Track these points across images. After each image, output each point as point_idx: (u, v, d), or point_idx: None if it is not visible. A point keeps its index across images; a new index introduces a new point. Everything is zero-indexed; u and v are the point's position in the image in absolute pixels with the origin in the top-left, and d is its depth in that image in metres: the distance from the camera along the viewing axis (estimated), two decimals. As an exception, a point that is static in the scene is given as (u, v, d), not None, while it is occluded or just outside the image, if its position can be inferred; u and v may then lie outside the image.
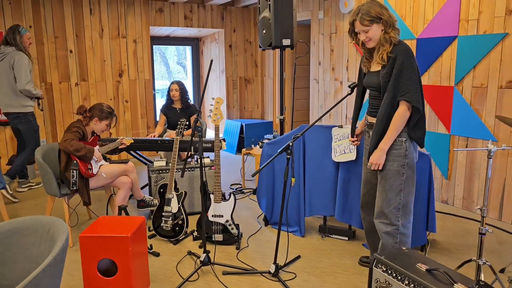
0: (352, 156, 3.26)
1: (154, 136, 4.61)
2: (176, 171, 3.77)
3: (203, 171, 3.68)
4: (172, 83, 4.86)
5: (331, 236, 3.54)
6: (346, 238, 3.50)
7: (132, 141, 4.04)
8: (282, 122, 4.31)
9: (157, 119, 6.66)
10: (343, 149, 3.31)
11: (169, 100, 4.89)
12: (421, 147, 2.54)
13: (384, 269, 2.09)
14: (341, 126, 3.33)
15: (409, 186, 2.51)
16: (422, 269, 1.98)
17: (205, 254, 2.95)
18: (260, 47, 4.15)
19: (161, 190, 3.50)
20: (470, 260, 2.72)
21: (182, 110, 4.85)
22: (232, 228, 3.37)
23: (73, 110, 5.89)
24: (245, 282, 2.82)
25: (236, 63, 7.23)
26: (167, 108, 4.90)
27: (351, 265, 3.06)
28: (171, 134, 4.71)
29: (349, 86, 2.73)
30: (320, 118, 2.77)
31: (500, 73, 3.75)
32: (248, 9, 7.16)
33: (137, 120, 6.40)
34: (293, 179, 2.80)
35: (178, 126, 3.78)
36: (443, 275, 1.91)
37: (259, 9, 4.07)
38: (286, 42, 3.92)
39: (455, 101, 4.14)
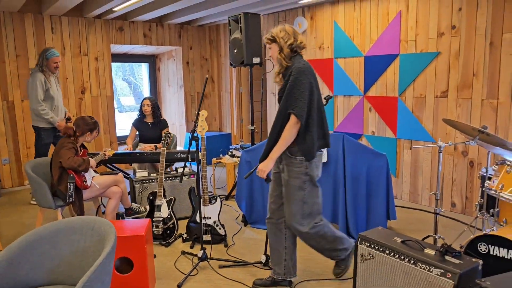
0: (324, 158, 3.76)
1: (129, 149, 4.84)
2: (170, 179, 4.08)
3: (200, 177, 3.98)
4: (145, 98, 5.12)
5: (306, 230, 4.00)
6: (319, 231, 3.98)
7: (113, 152, 4.26)
8: (253, 132, 4.73)
9: (117, 134, 6.81)
10: (314, 153, 3.80)
11: (141, 115, 5.14)
12: (308, 159, 2.61)
13: (368, 244, 2.57)
14: (312, 133, 3.82)
15: (313, 197, 2.70)
16: (398, 241, 2.50)
17: (202, 251, 3.28)
18: (231, 64, 4.56)
19: (151, 197, 3.78)
20: (428, 236, 3.30)
21: (154, 124, 5.12)
22: (220, 228, 3.72)
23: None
24: (241, 273, 3.19)
25: (193, 79, 7.57)
26: (139, 123, 5.14)
27: (328, 252, 3.53)
28: (145, 147, 4.96)
29: (324, 98, 3.23)
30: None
31: (435, 85, 4.48)
32: (203, 28, 7.56)
33: (100, 136, 6.51)
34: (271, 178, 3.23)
35: (164, 138, 4.07)
36: (415, 243, 2.44)
37: (230, 30, 4.49)
38: (256, 60, 4.38)
39: (399, 110, 4.83)
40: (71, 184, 3.39)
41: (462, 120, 4.29)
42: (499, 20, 3.94)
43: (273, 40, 2.67)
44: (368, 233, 2.65)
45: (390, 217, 3.79)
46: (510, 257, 2.46)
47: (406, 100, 4.76)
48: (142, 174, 4.30)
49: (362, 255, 2.61)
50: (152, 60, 7.87)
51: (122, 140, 6.95)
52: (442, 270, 2.19)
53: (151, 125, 5.11)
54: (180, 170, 4.45)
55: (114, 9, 5.59)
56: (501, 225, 3.16)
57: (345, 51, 5.31)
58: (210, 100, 7.77)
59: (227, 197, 5.07)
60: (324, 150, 3.75)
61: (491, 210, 3.27)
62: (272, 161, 2.62)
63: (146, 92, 8.07)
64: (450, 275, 2.14)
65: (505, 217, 3.15)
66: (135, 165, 5.14)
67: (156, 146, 5.00)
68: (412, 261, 2.32)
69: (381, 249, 2.50)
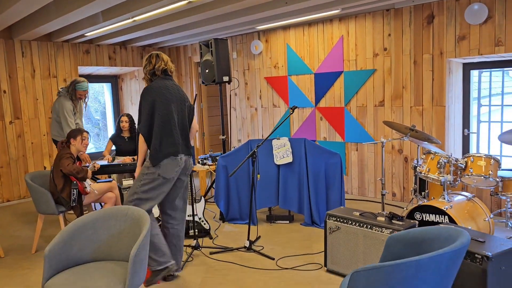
0: (289, 159, 4.51)
1: (110, 161, 5.30)
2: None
3: (192, 180, 4.52)
4: (122, 115, 5.62)
5: (276, 222, 4.71)
6: (287, 221, 4.70)
7: (99, 166, 4.72)
8: (224, 141, 5.39)
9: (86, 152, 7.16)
10: (282, 155, 4.55)
11: (119, 130, 5.62)
12: (153, 165, 3.11)
13: (334, 219, 3.32)
14: (278, 138, 4.57)
15: (151, 191, 3.15)
16: (357, 214, 3.27)
17: (195, 240, 3.87)
18: (203, 82, 5.22)
19: (142, 200, 4.30)
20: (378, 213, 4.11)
21: (131, 139, 5.62)
22: (205, 224, 4.32)
23: (8, 147, 6.14)
24: (229, 256, 3.81)
25: (155, 97, 8.08)
26: (117, 137, 5.61)
27: (297, 237, 4.25)
28: (125, 159, 5.43)
29: (290, 108, 3.97)
30: (270, 134, 3.95)
31: (373, 96, 5.42)
32: (163, 50, 8.14)
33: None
34: (258, 175, 3.92)
35: None
36: (369, 214, 3.22)
37: (201, 53, 5.16)
38: (226, 78, 5.08)
39: (346, 118, 5.72)
40: (74, 190, 3.85)
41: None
42: (419, 44, 4.95)
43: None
44: (333, 211, 3.40)
45: (342, 205, 4.59)
46: (437, 220, 3.31)
47: (351, 109, 5.66)
48: (128, 182, 4.79)
49: (330, 228, 3.35)
50: (114, 80, 8.29)
51: (92, 156, 7.28)
52: (390, 230, 2.97)
53: (128, 140, 5.60)
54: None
55: (86, 34, 6.05)
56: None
57: (298, 69, 6.16)
58: (171, 116, 8.31)
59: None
60: (289, 152, 4.51)
61: (423, 192, 4.18)
62: (139, 166, 3.24)
63: (111, 112, 8.45)
64: (396, 232, 2.93)
65: (433, 195, 4.06)
66: (114, 176, 5.59)
67: (133, 158, 5.50)
68: (369, 227, 3.09)
69: (345, 221, 3.25)
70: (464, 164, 3.38)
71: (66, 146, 4.03)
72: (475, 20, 4.46)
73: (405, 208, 4.51)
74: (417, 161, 4.21)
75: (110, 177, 5.53)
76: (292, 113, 3.94)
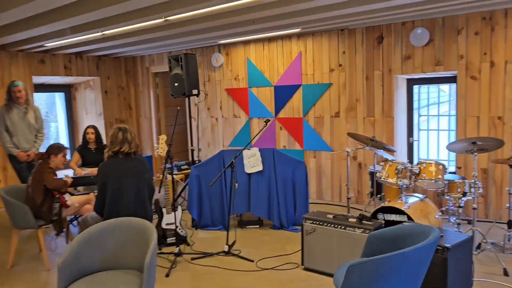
0: (260, 168, 4.85)
1: (80, 173, 5.31)
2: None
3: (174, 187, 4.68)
4: (88, 127, 5.65)
5: (248, 227, 5.02)
6: (258, 226, 5.03)
7: (71, 179, 4.75)
8: (193, 151, 5.61)
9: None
10: (252, 164, 4.88)
11: (85, 142, 5.64)
12: None
13: (311, 222, 3.70)
14: (249, 148, 4.89)
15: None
16: (331, 216, 3.68)
17: (178, 248, 4.08)
18: (172, 95, 5.41)
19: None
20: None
21: (97, 150, 5.66)
22: (182, 231, 4.53)
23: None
24: (211, 261, 4.07)
25: (111, 106, 8.07)
26: (83, 149, 5.63)
27: (270, 240, 4.60)
28: (92, 171, 5.46)
29: (264, 121, 4.31)
30: (247, 145, 4.27)
31: (330, 108, 5.93)
32: (119, 60, 8.15)
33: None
34: (236, 184, 4.21)
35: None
36: (342, 216, 3.64)
37: (170, 67, 5.36)
38: (195, 91, 5.32)
39: (304, 127, 6.18)
40: (56, 204, 3.90)
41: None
42: (371, 61, 5.53)
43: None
44: (309, 215, 3.78)
45: (308, 209, 5.02)
46: (397, 220, 3.81)
47: (309, 120, 6.13)
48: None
49: (307, 231, 3.73)
50: (68, 90, 8.14)
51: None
52: (362, 229, 3.41)
53: (94, 151, 5.64)
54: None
55: (46, 45, 5.98)
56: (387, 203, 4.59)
57: (258, 82, 6.53)
58: (128, 125, 8.31)
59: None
60: (259, 161, 4.85)
61: (379, 195, 4.71)
62: None
63: (64, 121, 8.27)
64: (368, 231, 3.37)
65: (388, 197, 4.59)
66: (80, 188, 5.59)
67: None
68: (342, 227, 3.51)
69: (320, 223, 3.65)
70: (418, 170, 3.93)
71: (46, 160, 4.05)
72: (418, 42, 5.10)
73: (364, 210, 5.02)
74: (374, 167, 4.73)
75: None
76: (266, 126, 4.28)
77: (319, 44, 5.91)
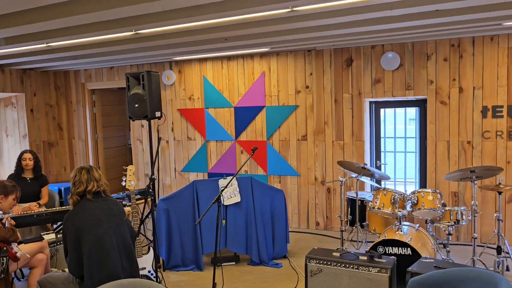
0: (237, 199, 4.40)
1: (17, 211, 4.39)
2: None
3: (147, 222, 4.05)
4: (25, 152, 4.75)
5: (223, 264, 4.52)
6: (234, 263, 4.55)
7: (11, 220, 3.88)
8: (153, 180, 4.96)
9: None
10: (229, 195, 4.41)
11: (19, 170, 4.73)
12: None
13: (316, 261, 3.36)
14: (225, 178, 4.43)
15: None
16: (337, 254, 3.37)
17: (158, 300, 3.45)
18: (130, 118, 4.75)
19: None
20: (338, 249, 4.30)
21: (34, 180, 4.78)
22: (155, 277, 3.90)
23: None
24: (197, 312, 3.52)
25: (38, 127, 7.02)
26: (16, 178, 4.69)
27: (253, 279, 4.16)
28: (31, 206, 4.55)
29: (252, 149, 3.90)
30: (236, 174, 3.81)
31: (296, 131, 5.69)
32: (47, 74, 7.14)
33: None
34: (224, 221, 3.73)
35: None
36: (350, 254, 3.35)
37: (128, 86, 4.69)
38: (158, 114, 4.72)
39: (268, 151, 5.86)
40: (3, 258, 3.08)
41: (319, 157, 5.58)
42: (339, 83, 5.41)
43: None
44: (311, 253, 3.44)
45: (287, 241, 4.67)
46: (400, 253, 3.63)
47: (274, 143, 5.83)
48: (49, 236, 4.03)
49: (311, 271, 3.37)
50: (-18, 108, 6.91)
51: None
52: (378, 268, 3.15)
53: (30, 181, 4.75)
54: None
55: (-35, 56, 4.95)
56: (371, 232, 4.42)
57: (216, 102, 6.08)
58: (57, 148, 7.29)
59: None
60: (237, 191, 4.42)
61: (363, 223, 4.52)
62: None
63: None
64: (384, 270, 3.12)
65: (373, 226, 4.43)
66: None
67: (39, 204, 4.67)
68: (355, 267, 3.22)
69: (327, 263, 3.32)
70: (416, 199, 3.80)
71: None
72: (389, 66, 5.10)
73: (346, 239, 4.80)
74: (357, 194, 4.53)
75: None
76: (252, 154, 3.87)
77: (284, 65, 5.67)
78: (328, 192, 5.60)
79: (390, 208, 3.89)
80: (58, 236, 4.11)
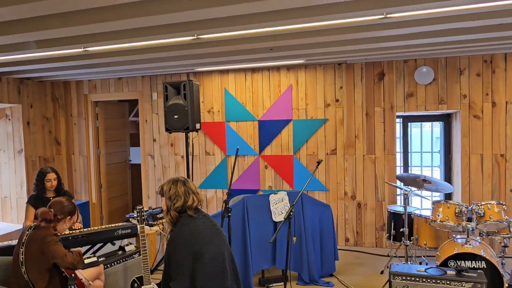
0: (281, 217, 4.18)
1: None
2: (122, 261, 3.53)
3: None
4: (48, 172, 4.29)
5: (273, 285, 4.25)
6: (282, 283, 4.29)
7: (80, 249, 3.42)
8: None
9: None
10: (280, 210, 4.19)
11: (41, 190, 4.26)
12: None
13: (402, 278, 3.21)
14: (276, 193, 4.21)
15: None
16: (422, 270, 3.24)
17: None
18: (167, 130, 4.44)
19: (135, 284, 3.30)
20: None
21: (56, 200, 4.31)
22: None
23: None
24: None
25: (34, 141, 6.44)
26: (38, 199, 4.23)
27: (312, 299, 3.93)
28: (75, 226, 4.07)
29: (317, 162, 3.73)
30: (304, 188, 3.62)
31: (325, 145, 5.58)
32: (43, 84, 6.62)
33: None
34: (294, 238, 3.50)
35: (138, 213, 3.60)
36: (436, 269, 3.24)
37: (166, 96, 4.40)
38: (198, 126, 4.46)
39: (295, 166, 5.69)
40: (72, 287, 2.67)
41: (349, 171, 5.49)
42: (370, 97, 5.39)
43: (162, 195, 2.62)
44: (396, 268, 3.29)
45: (336, 258, 4.50)
46: (473, 266, 3.56)
47: (301, 157, 5.67)
48: (90, 260, 3.60)
49: (396, 288, 3.22)
50: (-29, 120, 6.25)
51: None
52: (472, 283, 3.05)
53: (53, 201, 4.27)
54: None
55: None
56: (420, 247, 4.33)
57: (238, 116, 5.86)
58: (53, 165, 6.70)
59: (151, 271, 4.67)
60: (288, 207, 4.21)
61: (412, 237, 4.44)
62: None
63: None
64: (480, 285, 3.03)
65: (424, 240, 4.36)
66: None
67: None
68: (447, 282, 3.10)
69: (415, 279, 3.18)
70: (483, 211, 3.77)
71: (48, 223, 2.81)
72: (423, 81, 5.14)
73: (388, 254, 4.68)
74: (405, 207, 4.44)
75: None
76: (317, 168, 3.70)
77: (313, 78, 5.58)
78: (359, 207, 5.50)
79: (455, 221, 3.83)
80: (100, 259, 3.69)
